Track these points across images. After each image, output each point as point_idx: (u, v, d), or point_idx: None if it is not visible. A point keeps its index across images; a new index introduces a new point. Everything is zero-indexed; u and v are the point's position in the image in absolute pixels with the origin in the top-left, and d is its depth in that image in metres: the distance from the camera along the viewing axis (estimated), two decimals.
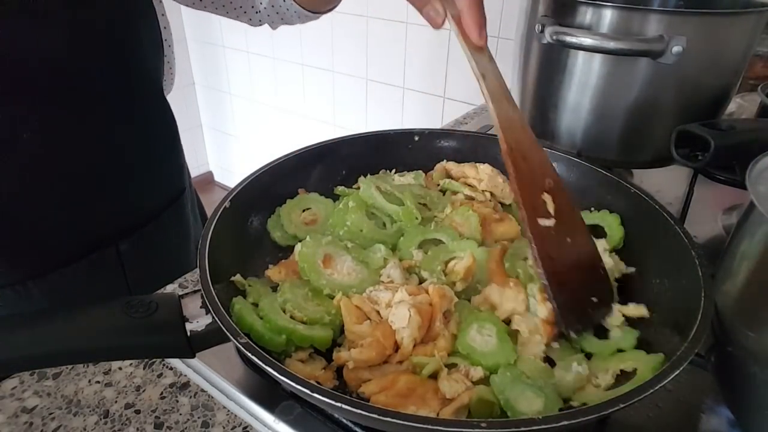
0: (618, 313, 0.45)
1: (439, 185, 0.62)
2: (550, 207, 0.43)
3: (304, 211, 0.58)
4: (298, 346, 0.42)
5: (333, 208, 0.57)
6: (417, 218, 0.54)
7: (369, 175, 0.63)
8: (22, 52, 0.52)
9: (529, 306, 0.46)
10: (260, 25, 0.82)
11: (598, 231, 0.54)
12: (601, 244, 0.51)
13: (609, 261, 0.51)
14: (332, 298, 0.46)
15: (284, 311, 0.44)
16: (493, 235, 0.54)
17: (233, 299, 0.43)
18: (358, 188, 0.59)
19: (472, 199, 0.59)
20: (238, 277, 0.47)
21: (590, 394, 0.40)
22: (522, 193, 0.42)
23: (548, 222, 0.43)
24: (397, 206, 0.55)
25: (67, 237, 0.64)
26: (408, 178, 0.62)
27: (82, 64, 0.57)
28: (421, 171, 0.63)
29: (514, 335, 0.45)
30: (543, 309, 0.44)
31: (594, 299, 0.44)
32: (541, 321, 0.43)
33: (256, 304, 0.44)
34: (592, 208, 0.56)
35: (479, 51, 0.44)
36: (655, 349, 0.41)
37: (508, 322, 0.46)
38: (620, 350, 0.43)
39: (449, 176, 0.65)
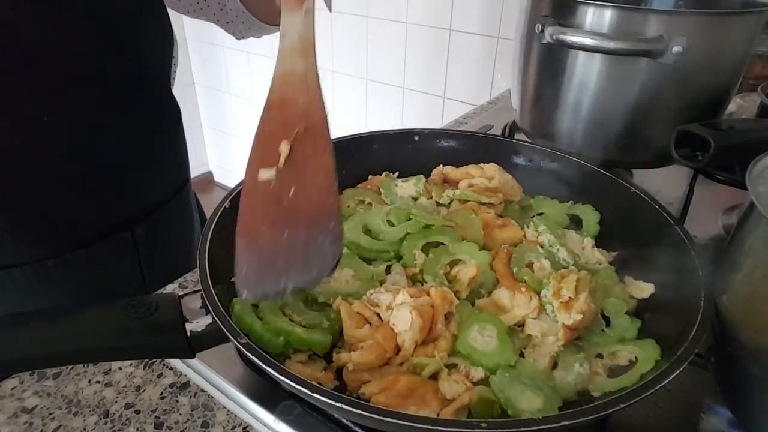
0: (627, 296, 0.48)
1: (441, 199, 0.61)
2: (283, 158, 0.40)
3: None
4: (297, 349, 0.42)
5: None
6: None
7: (369, 178, 0.63)
8: (33, 38, 0.53)
9: (546, 312, 0.46)
10: (242, 37, 0.84)
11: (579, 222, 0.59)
12: (588, 242, 0.54)
13: (595, 255, 0.53)
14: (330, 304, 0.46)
15: (284, 313, 0.44)
16: (496, 241, 0.54)
17: (233, 300, 0.43)
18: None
19: (484, 204, 0.58)
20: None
21: (602, 383, 0.40)
22: (259, 141, 0.41)
23: (268, 174, 0.40)
24: (383, 243, 0.53)
25: (83, 218, 0.65)
26: (409, 185, 0.61)
27: (95, 51, 0.58)
28: (421, 176, 0.63)
29: (514, 336, 0.45)
30: (566, 316, 0.44)
31: (302, 261, 0.38)
32: (562, 325, 0.44)
33: (256, 306, 0.44)
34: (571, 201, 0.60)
35: (292, 11, 0.43)
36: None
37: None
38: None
39: (446, 180, 0.64)
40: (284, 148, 0.40)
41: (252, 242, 0.38)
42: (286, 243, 0.38)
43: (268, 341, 0.40)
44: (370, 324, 0.44)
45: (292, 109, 0.41)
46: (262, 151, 0.40)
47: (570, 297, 0.44)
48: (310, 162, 0.40)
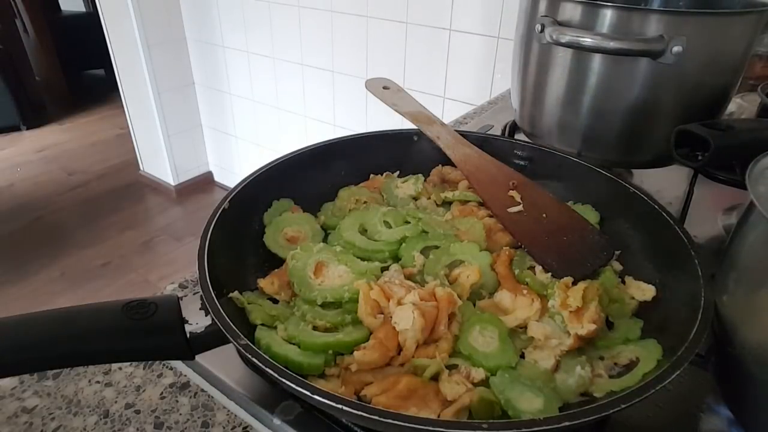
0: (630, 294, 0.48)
1: (442, 200, 0.61)
2: (517, 198, 0.57)
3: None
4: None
5: (317, 225, 0.57)
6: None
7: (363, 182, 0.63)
8: None
9: (555, 322, 0.46)
10: None
11: None
12: None
13: None
14: (332, 304, 0.46)
15: (304, 322, 0.44)
16: (498, 245, 0.54)
17: (257, 333, 0.42)
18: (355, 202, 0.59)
19: (481, 204, 0.58)
20: (235, 294, 0.45)
21: (604, 384, 0.40)
22: (485, 196, 0.57)
23: (517, 208, 0.56)
24: (379, 243, 0.53)
25: None
26: (408, 185, 0.61)
27: None
28: (420, 175, 0.63)
29: (515, 337, 0.45)
30: (578, 326, 0.43)
31: (589, 251, 0.52)
32: (575, 335, 0.43)
33: (265, 325, 0.44)
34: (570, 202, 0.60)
35: (430, 124, 0.63)
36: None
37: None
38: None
39: (444, 180, 0.64)
40: (514, 193, 0.57)
41: (544, 246, 0.52)
42: (570, 242, 0.53)
43: (309, 366, 0.40)
44: (383, 315, 0.44)
45: (489, 173, 0.59)
46: (493, 199, 0.57)
47: (578, 306, 0.44)
48: (539, 199, 0.57)
